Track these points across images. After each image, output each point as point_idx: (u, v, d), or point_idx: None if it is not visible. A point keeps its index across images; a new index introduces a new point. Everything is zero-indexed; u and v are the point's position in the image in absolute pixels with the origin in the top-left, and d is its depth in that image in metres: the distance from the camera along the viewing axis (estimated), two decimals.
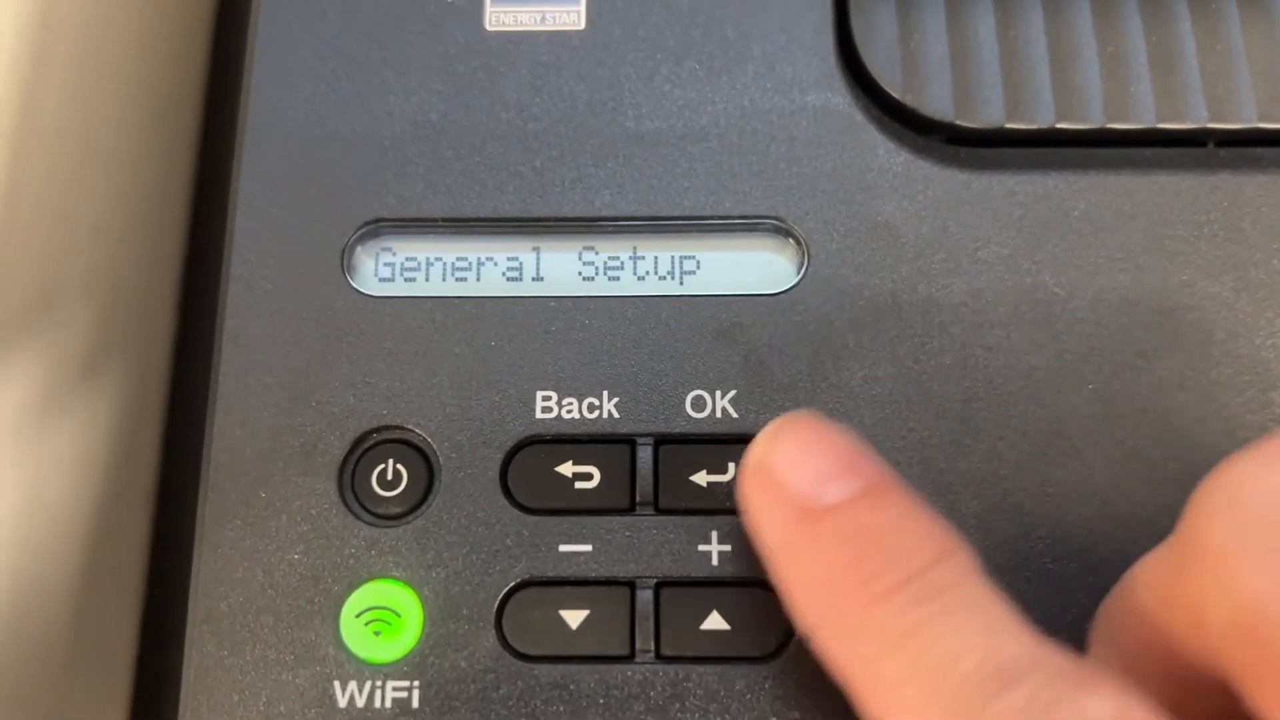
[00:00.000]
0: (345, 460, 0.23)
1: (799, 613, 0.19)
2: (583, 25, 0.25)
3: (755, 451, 0.20)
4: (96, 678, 0.31)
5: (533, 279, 0.24)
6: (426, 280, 0.24)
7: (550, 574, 0.22)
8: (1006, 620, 0.17)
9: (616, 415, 0.23)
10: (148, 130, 0.33)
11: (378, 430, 0.23)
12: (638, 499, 0.22)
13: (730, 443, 0.23)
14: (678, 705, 0.21)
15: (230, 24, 0.38)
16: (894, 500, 0.19)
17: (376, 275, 0.24)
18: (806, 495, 0.19)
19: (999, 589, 0.18)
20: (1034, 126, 0.24)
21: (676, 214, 0.24)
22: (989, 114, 0.25)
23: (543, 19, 0.25)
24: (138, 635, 0.33)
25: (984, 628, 0.17)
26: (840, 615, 0.18)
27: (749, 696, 0.21)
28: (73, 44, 0.29)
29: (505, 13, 0.25)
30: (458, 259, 0.24)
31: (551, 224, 0.24)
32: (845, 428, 0.20)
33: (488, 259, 0.24)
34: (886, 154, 0.24)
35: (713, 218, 0.24)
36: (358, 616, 0.22)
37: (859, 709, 0.18)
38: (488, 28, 0.25)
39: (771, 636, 0.22)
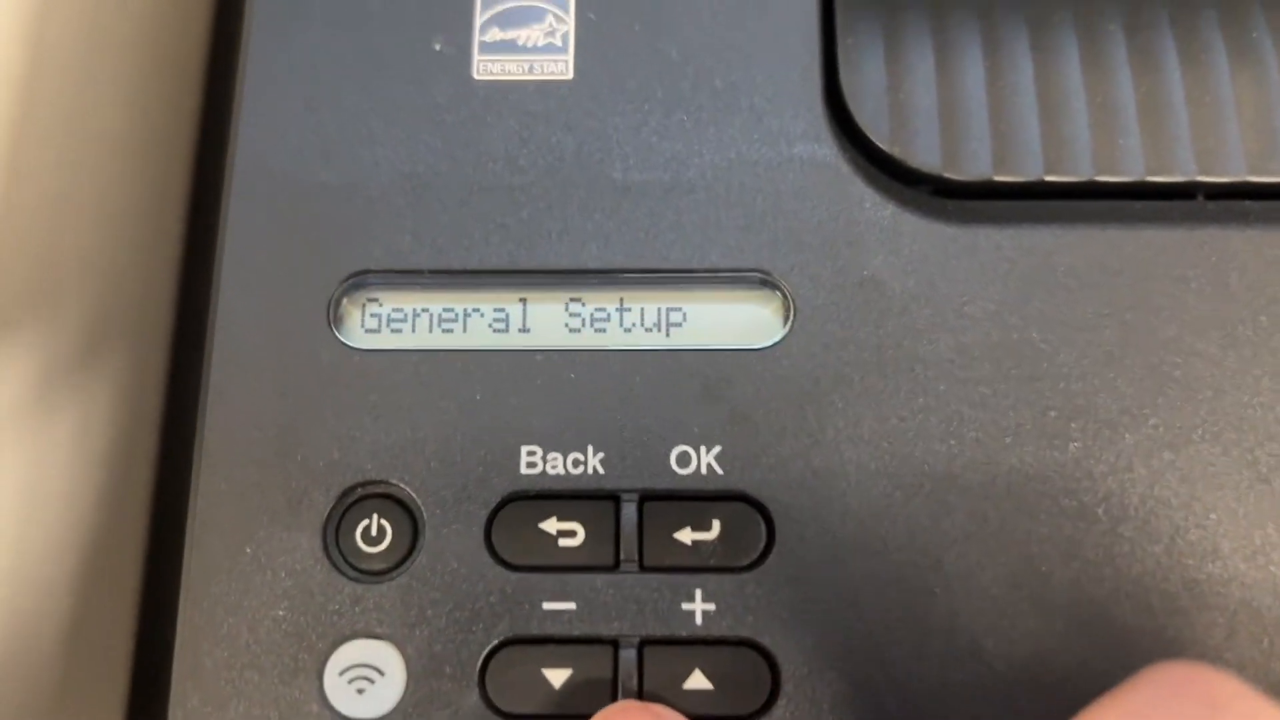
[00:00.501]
0: (330, 515, 0.23)
1: None
2: (571, 76, 0.25)
3: None
4: (93, 678, 0.31)
5: (519, 330, 0.24)
6: (413, 331, 0.24)
7: (534, 632, 0.22)
8: None
9: (601, 471, 0.23)
10: (147, 123, 0.34)
11: (362, 485, 0.23)
12: (622, 556, 0.22)
13: (715, 499, 0.23)
14: None
15: (229, 21, 0.38)
16: None
17: (363, 327, 0.24)
18: None
19: None
20: (1022, 179, 0.24)
21: (664, 266, 0.24)
22: (977, 166, 0.24)
23: (531, 69, 0.25)
24: (135, 634, 0.33)
25: None
26: None
27: None
28: (71, 37, 0.29)
29: (493, 62, 0.25)
30: (444, 310, 0.24)
31: (538, 275, 0.24)
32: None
33: (474, 310, 0.24)
34: (873, 206, 0.24)
35: (700, 270, 0.24)
36: (341, 674, 0.22)
37: None
38: (475, 77, 0.25)
39: (755, 696, 0.22)
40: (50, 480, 0.29)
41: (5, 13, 0.27)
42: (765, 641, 0.22)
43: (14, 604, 0.27)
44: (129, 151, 0.32)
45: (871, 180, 0.25)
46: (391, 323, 0.24)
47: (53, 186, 0.28)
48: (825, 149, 0.25)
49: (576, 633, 0.22)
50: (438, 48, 0.25)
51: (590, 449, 0.23)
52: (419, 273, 0.24)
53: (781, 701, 0.22)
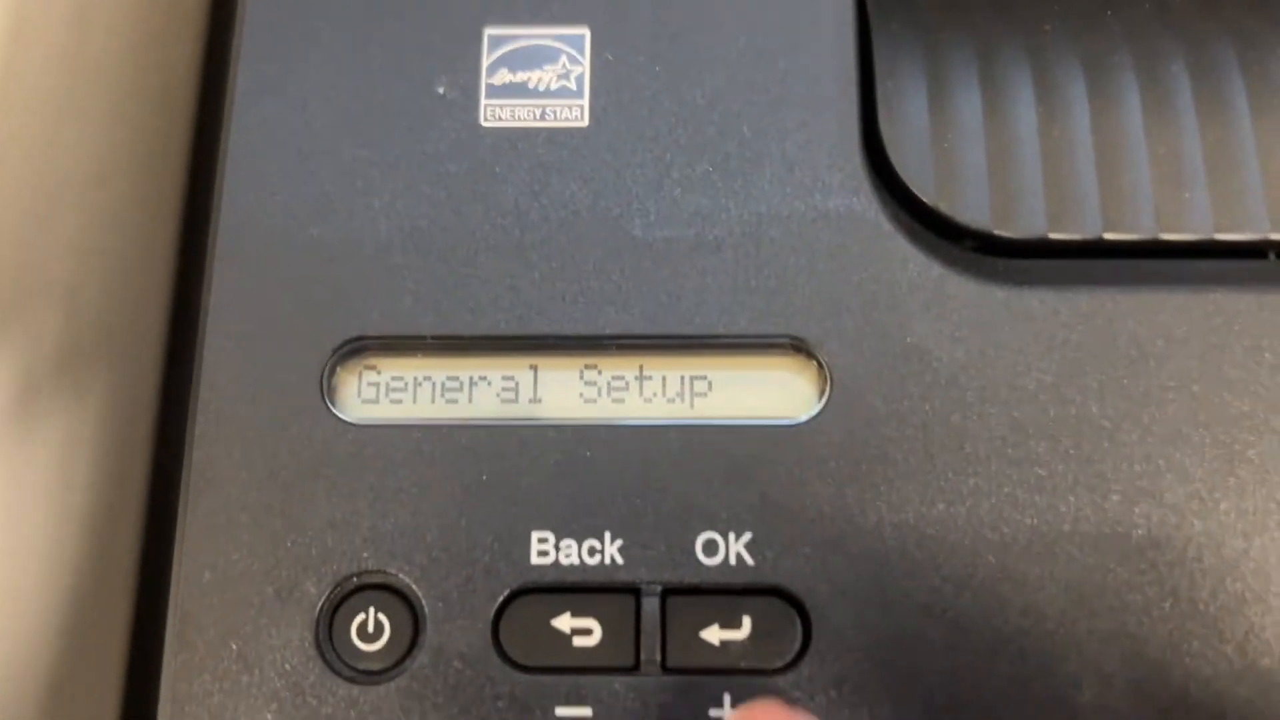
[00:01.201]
0: (322, 608, 0.21)
1: None
2: (586, 122, 0.23)
3: None
4: (82, 699, 0.29)
5: (530, 400, 0.22)
6: (414, 402, 0.22)
7: None
8: None
9: (620, 561, 0.21)
10: (135, 137, 0.32)
11: (358, 575, 0.21)
12: (642, 657, 0.21)
13: (745, 594, 0.21)
14: None
15: (222, 26, 0.36)
16: None
17: (359, 397, 0.22)
18: None
19: None
20: (1079, 237, 0.22)
21: (687, 331, 0.22)
22: (1030, 223, 0.23)
23: (542, 114, 0.23)
24: (127, 648, 0.32)
25: None
26: None
27: None
28: (53, 53, 0.28)
29: (502, 107, 0.23)
30: (448, 378, 0.22)
31: (551, 341, 0.22)
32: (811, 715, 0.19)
33: (481, 378, 0.22)
34: (917, 267, 0.22)
35: (726, 336, 0.22)
36: None
37: None
38: (483, 124, 0.23)
39: None
40: (36, 496, 0.28)
41: None
42: None
43: (3, 623, 0.26)
44: (115, 167, 0.31)
45: (915, 237, 0.23)
46: (391, 392, 0.22)
47: (33, 203, 0.27)
48: (864, 203, 0.23)
49: None
50: (441, 91, 0.23)
51: (608, 536, 0.21)
52: (420, 338, 0.22)
53: None
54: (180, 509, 0.22)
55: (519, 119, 0.23)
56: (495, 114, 0.23)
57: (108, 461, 0.31)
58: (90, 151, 0.30)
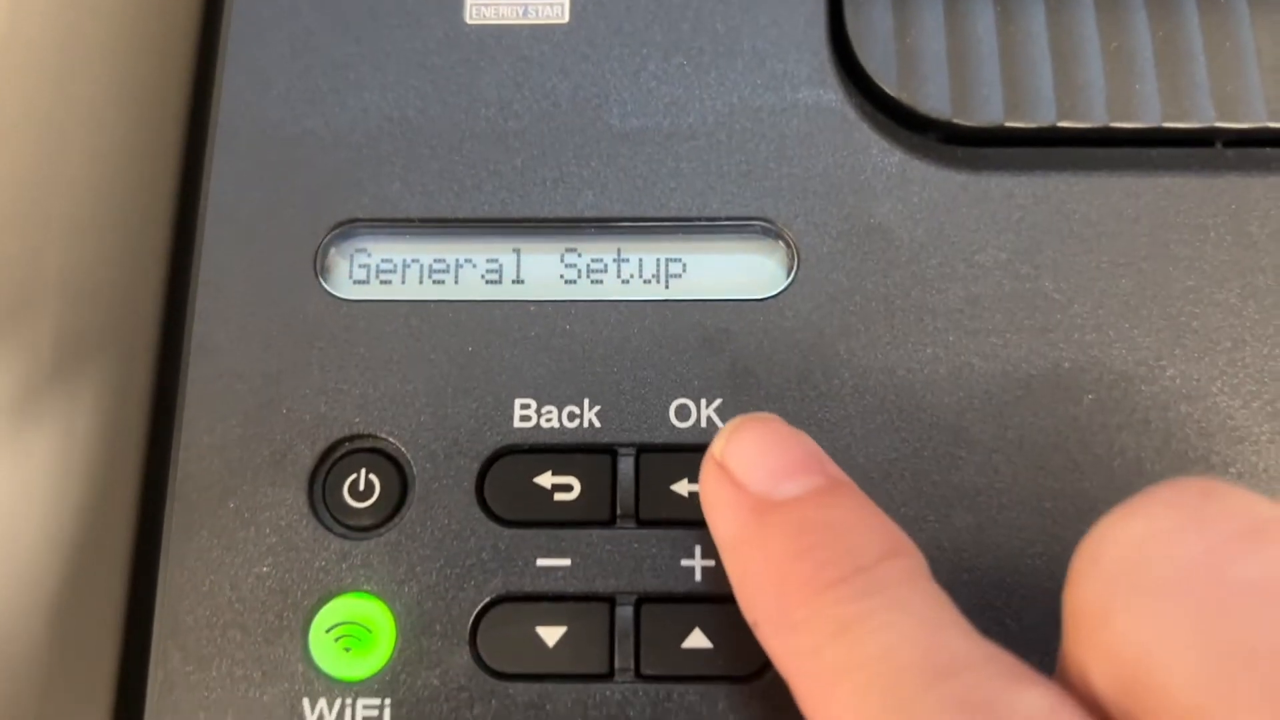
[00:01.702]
0: (316, 470, 0.22)
1: (746, 606, 0.19)
2: (566, 19, 0.24)
3: (714, 447, 0.20)
4: (78, 684, 0.30)
5: (513, 281, 0.23)
6: (403, 283, 0.23)
7: (527, 589, 0.21)
8: (950, 619, 0.17)
9: (598, 424, 0.22)
10: (129, 127, 0.33)
11: (350, 439, 0.22)
12: (619, 511, 0.22)
13: None
14: None
15: (214, 19, 0.37)
16: (847, 499, 0.19)
17: (351, 278, 0.23)
18: (761, 490, 0.19)
19: (946, 593, 0.18)
20: (1034, 125, 0.24)
21: (662, 215, 0.23)
22: (987, 112, 0.24)
23: (525, 12, 0.24)
24: (120, 643, 0.32)
25: (927, 623, 0.17)
26: (785, 606, 0.17)
27: (731, 717, 0.21)
28: (47, 41, 0.28)
29: (486, 6, 0.24)
30: (435, 260, 0.23)
31: (533, 225, 0.23)
32: (804, 433, 0.20)
33: (466, 261, 0.23)
34: (880, 153, 0.23)
35: (700, 219, 0.23)
36: (328, 632, 0.21)
37: (800, 703, 0.17)
38: (468, 21, 0.24)
39: (755, 656, 0.21)
40: (34, 487, 0.28)
41: None
42: None
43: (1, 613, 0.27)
44: (109, 157, 0.32)
45: (878, 126, 0.24)
46: (380, 273, 0.23)
47: (31, 193, 0.28)
48: (830, 94, 0.24)
49: (571, 590, 0.21)
50: None
51: (586, 402, 0.22)
52: (409, 221, 0.23)
53: None
54: (180, 379, 0.23)
55: (502, 17, 0.24)
56: (480, 12, 0.24)
57: (102, 452, 0.31)
58: (85, 146, 0.30)
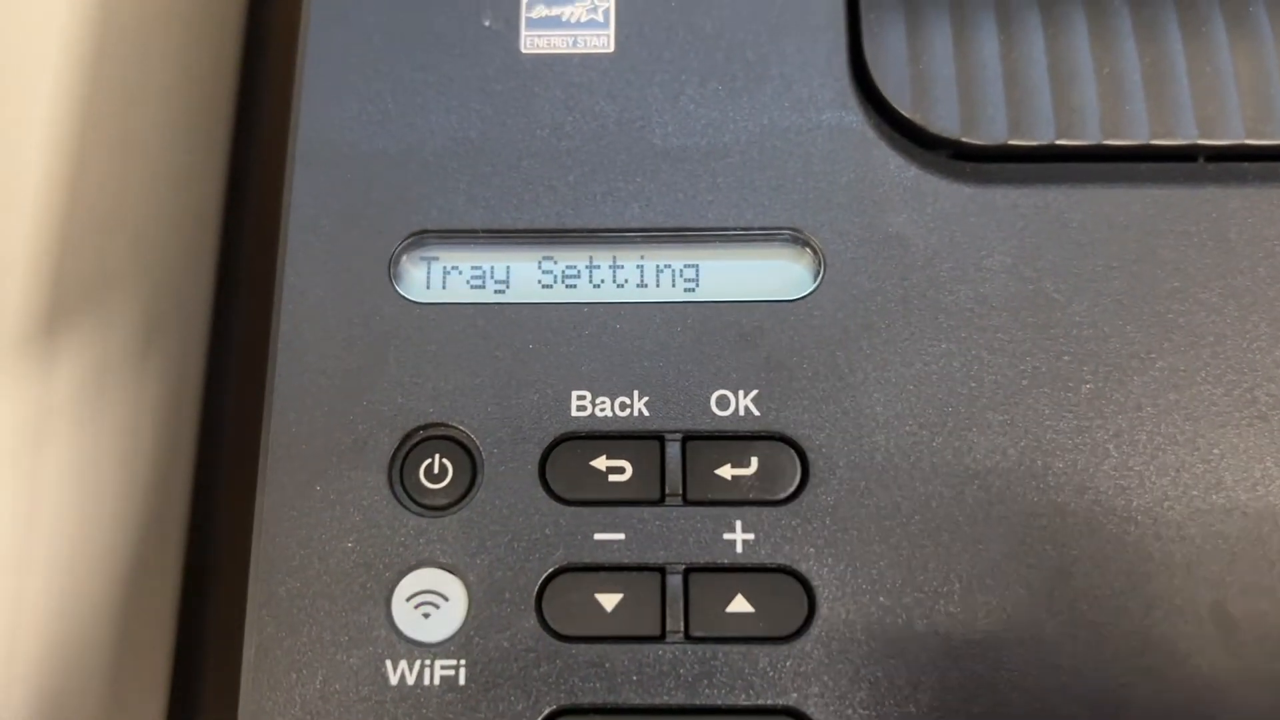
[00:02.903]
0: (394, 455, 0.24)
1: None
2: (612, 49, 0.27)
3: None
4: (138, 662, 0.32)
5: (566, 286, 0.26)
6: (468, 286, 0.26)
7: (586, 560, 0.24)
8: None
9: (647, 413, 0.25)
10: (185, 143, 0.35)
11: (424, 428, 0.25)
12: (667, 490, 0.24)
13: (753, 439, 0.24)
14: (705, 682, 0.23)
15: (254, 47, 0.40)
16: None
17: (422, 283, 0.26)
18: None
19: None
20: (1035, 143, 0.26)
21: (701, 225, 0.26)
22: (993, 131, 0.26)
23: (574, 43, 0.27)
24: (176, 623, 0.34)
25: None
26: None
27: (771, 674, 0.23)
28: (122, 66, 0.31)
29: (539, 37, 0.27)
30: (497, 267, 0.26)
31: (585, 234, 0.26)
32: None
33: (525, 267, 0.26)
34: (897, 169, 0.26)
35: (735, 229, 0.26)
36: (407, 600, 0.24)
37: None
38: (523, 50, 0.27)
39: (793, 619, 0.23)
40: (102, 470, 0.30)
41: (67, 17, 0.28)
42: (802, 568, 0.24)
43: (70, 590, 0.28)
44: (169, 173, 0.34)
45: (895, 145, 0.26)
46: (448, 278, 0.26)
47: (106, 203, 0.30)
48: (851, 115, 0.26)
49: (626, 561, 0.24)
50: (487, 24, 0.27)
51: (636, 393, 0.25)
52: (473, 232, 0.26)
53: (817, 623, 0.23)
54: (269, 376, 0.25)
55: (554, 47, 0.27)
56: (534, 43, 0.27)
57: (164, 434, 0.33)
58: (150, 162, 0.32)
